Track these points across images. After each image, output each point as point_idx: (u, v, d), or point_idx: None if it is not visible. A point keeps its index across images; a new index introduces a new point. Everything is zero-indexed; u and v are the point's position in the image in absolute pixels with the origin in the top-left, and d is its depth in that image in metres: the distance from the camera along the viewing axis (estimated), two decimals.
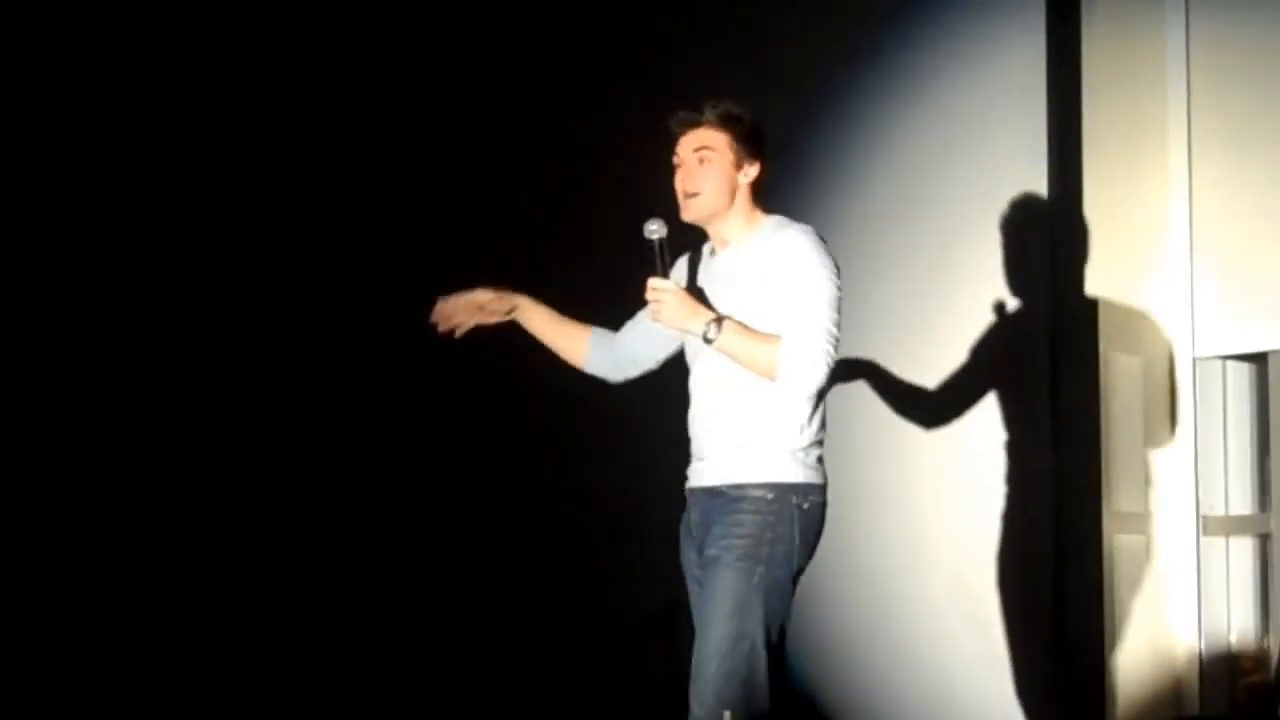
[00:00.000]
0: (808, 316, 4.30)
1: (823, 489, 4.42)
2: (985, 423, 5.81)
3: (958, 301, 5.92)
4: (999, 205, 5.84)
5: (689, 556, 4.51)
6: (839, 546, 6.03)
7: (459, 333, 4.72)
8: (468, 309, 4.71)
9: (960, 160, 6.01)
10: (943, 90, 6.10)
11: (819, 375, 4.29)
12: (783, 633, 4.37)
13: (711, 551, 4.36)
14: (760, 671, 4.30)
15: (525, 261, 5.87)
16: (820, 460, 4.43)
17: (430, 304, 4.72)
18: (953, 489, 5.90)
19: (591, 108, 6.89)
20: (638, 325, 4.71)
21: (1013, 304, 5.81)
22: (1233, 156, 5.95)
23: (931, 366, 5.89)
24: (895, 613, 6.05)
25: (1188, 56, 6.03)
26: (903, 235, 6.14)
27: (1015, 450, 5.76)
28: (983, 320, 5.85)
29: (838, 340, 4.32)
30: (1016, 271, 5.80)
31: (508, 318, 4.74)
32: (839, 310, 4.34)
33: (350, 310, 6.73)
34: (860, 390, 5.99)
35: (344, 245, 6.72)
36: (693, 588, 4.49)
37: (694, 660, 4.34)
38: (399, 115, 6.92)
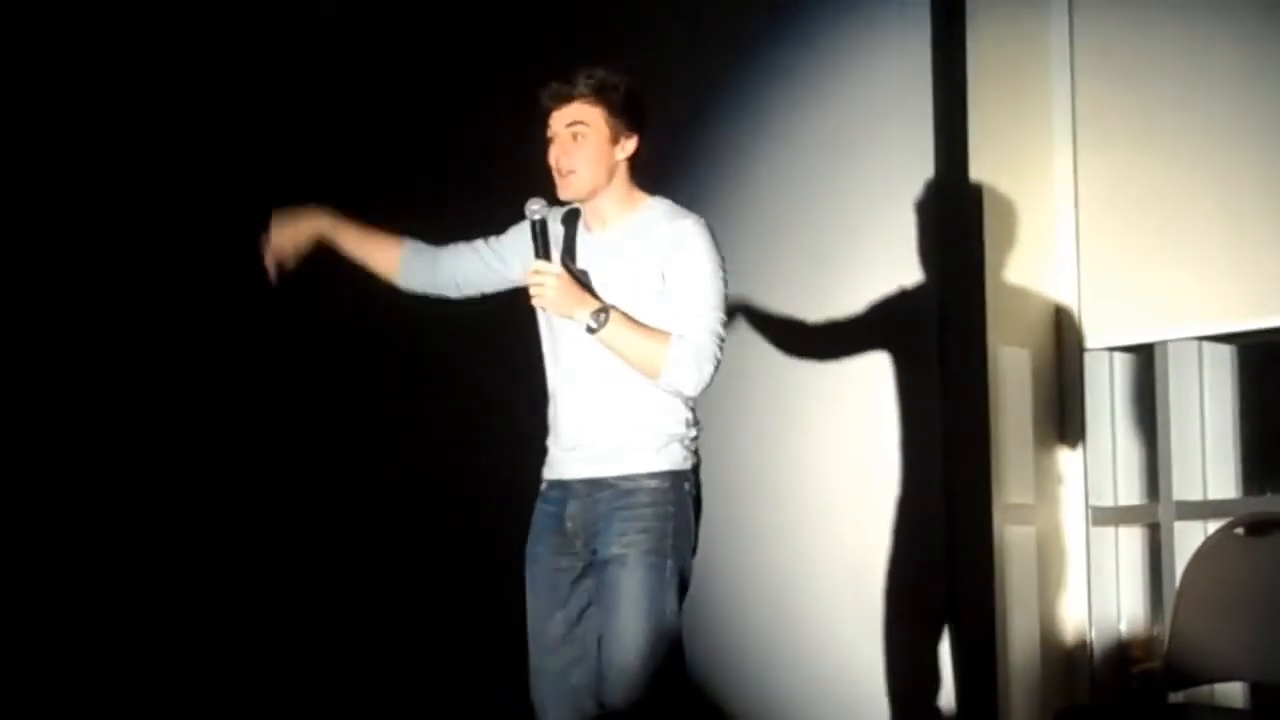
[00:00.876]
0: (698, 316, 4.23)
1: (698, 471, 4.38)
2: (874, 416, 5.83)
3: (844, 296, 5.92)
4: (885, 199, 5.85)
5: (545, 552, 4.40)
6: (731, 538, 6.10)
7: (287, 268, 4.51)
8: (287, 243, 4.51)
9: (845, 154, 6.02)
10: (828, 83, 6.10)
11: (705, 375, 4.23)
12: None
13: (615, 550, 4.27)
14: (681, 663, 4.28)
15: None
16: (697, 445, 4.39)
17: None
18: (843, 482, 5.91)
19: (479, 97, 6.82)
20: (472, 251, 4.56)
21: (900, 298, 5.82)
22: (1118, 150, 5.99)
23: (816, 362, 5.91)
24: (787, 606, 6.05)
25: (1071, 47, 6.08)
26: (788, 230, 6.14)
27: (905, 443, 5.77)
28: (869, 315, 5.87)
29: (724, 341, 4.27)
30: (903, 265, 5.82)
31: (315, 236, 4.53)
32: (725, 309, 4.28)
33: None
34: (753, 381, 6.01)
35: None
36: (541, 584, 4.39)
37: (605, 660, 4.27)
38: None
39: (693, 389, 4.25)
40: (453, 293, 4.62)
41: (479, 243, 4.59)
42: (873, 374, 5.85)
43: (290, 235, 4.53)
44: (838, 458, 5.91)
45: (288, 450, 6.75)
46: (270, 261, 4.54)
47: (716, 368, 4.25)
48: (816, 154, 6.12)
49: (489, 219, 4.62)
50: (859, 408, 5.89)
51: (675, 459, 4.33)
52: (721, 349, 4.26)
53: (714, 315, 4.26)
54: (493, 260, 4.53)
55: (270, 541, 6.66)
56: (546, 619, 4.39)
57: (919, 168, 5.82)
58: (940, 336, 5.77)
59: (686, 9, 6.52)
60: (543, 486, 4.47)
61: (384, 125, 6.97)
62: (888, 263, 5.83)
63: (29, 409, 6.26)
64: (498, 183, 4.66)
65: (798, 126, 6.19)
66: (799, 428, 5.97)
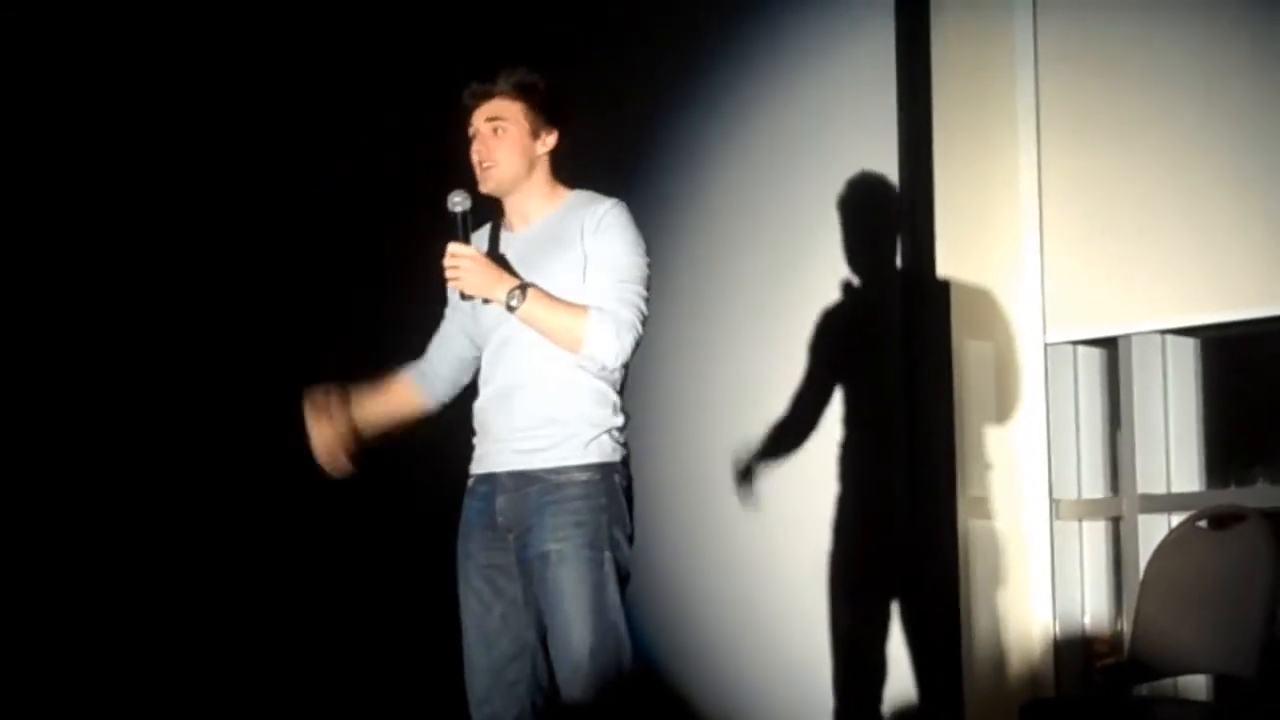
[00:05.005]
0: (616, 288, 4.26)
1: (628, 463, 4.37)
2: (838, 409, 5.83)
3: (809, 290, 5.93)
4: (850, 193, 5.85)
5: (475, 546, 4.38)
6: (693, 530, 6.10)
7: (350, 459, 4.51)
8: (334, 444, 4.49)
9: (810, 149, 6.03)
10: (794, 78, 6.12)
11: (625, 346, 4.25)
12: None
13: (551, 546, 4.25)
14: (628, 655, 4.26)
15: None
16: (626, 437, 4.38)
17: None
18: (806, 474, 5.90)
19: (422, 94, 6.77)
20: (449, 326, 4.58)
21: (864, 292, 5.83)
22: (1081, 143, 6.00)
23: (782, 354, 5.91)
24: (749, 598, 6.06)
25: (1036, 41, 6.09)
26: (753, 225, 6.15)
27: (869, 436, 5.78)
28: (834, 309, 5.87)
29: (645, 316, 4.28)
30: (868, 259, 5.82)
31: (347, 424, 4.50)
32: (648, 287, 4.31)
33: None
34: (716, 372, 6.01)
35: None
36: (475, 580, 4.37)
37: (554, 658, 4.27)
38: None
39: (613, 359, 4.27)
40: (471, 367, 4.56)
41: (446, 315, 4.60)
42: (837, 366, 5.85)
43: (330, 437, 4.49)
44: (801, 450, 5.91)
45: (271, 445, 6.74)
46: (332, 464, 4.51)
47: (638, 339, 4.28)
48: (779, 148, 6.13)
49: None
50: (823, 402, 5.89)
51: (605, 451, 4.32)
52: (643, 322, 4.28)
53: (632, 288, 4.28)
54: (465, 321, 4.52)
55: (256, 535, 6.66)
56: (483, 614, 4.36)
57: (883, 161, 5.83)
58: (904, 330, 5.78)
59: (647, 3, 6.52)
60: (470, 482, 4.45)
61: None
62: (852, 256, 5.82)
63: (28, 409, 6.25)
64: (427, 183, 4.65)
65: (760, 121, 6.19)
66: (763, 420, 5.96)
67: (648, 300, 4.31)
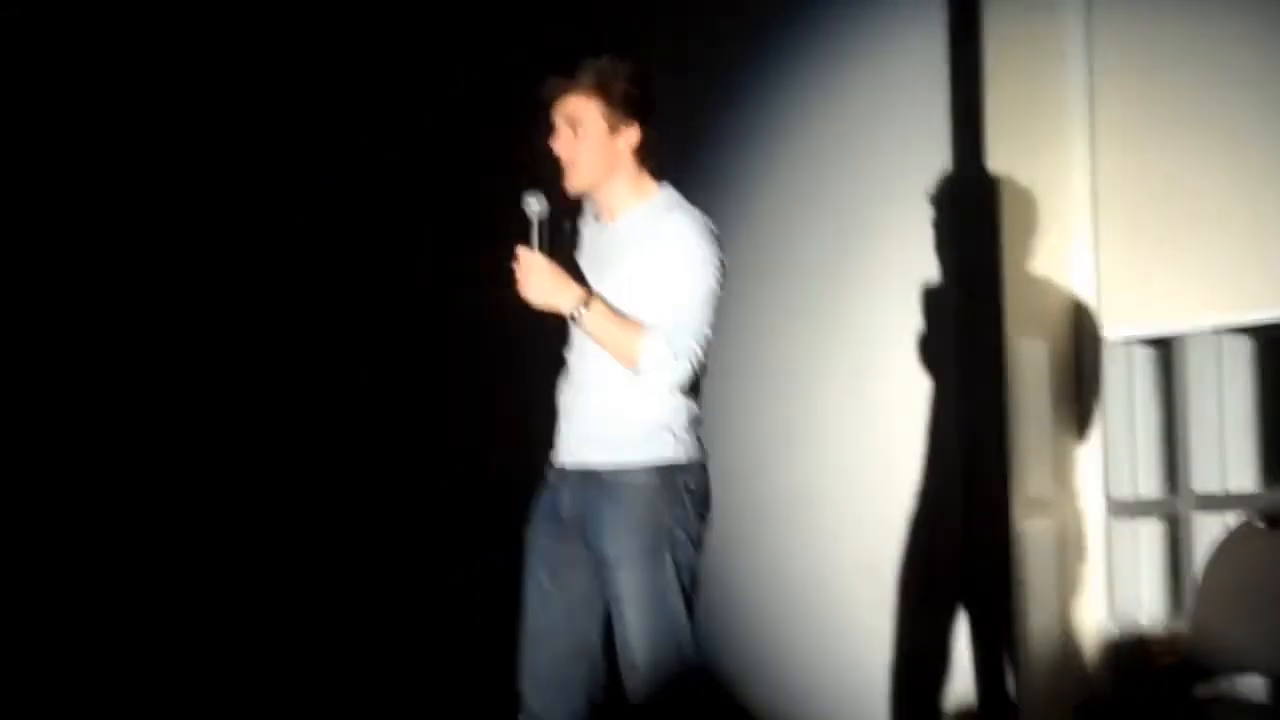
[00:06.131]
0: (678, 310, 4.23)
1: (704, 466, 4.34)
2: (893, 408, 5.82)
3: (863, 289, 5.93)
4: (902, 191, 5.85)
5: (543, 538, 4.38)
6: (750, 530, 6.09)
7: None
8: None
9: (862, 145, 6.02)
10: (845, 75, 6.12)
11: (683, 372, 4.23)
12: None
13: (611, 551, 4.25)
14: (691, 657, 4.25)
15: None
16: (699, 437, 4.34)
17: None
18: (862, 475, 5.90)
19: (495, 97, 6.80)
20: None
21: (917, 290, 5.81)
22: (1135, 140, 5.96)
23: (837, 354, 5.90)
24: (806, 599, 6.06)
25: (1088, 36, 6.05)
26: (808, 220, 6.15)
27: (924, 435, 5.76)
28: (887, 307, 5.86)
29: (708, 338, 4.26)
30: (921, 257, 5.81)
31: None
32: (714, 308, 4.27)
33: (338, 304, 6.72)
34: (774, 373, 6.01)
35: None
36: (539, 572, 4.36)
37: (621, 663, 4.28)
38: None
39: (668, 382, 4.25)
40: None
41: None
42: (892, 366, 5.84)
43: None
44: (857, 450, 5.90)
45: (297, 438, 6.77)
46: None
47: (698, 363, 4.25)
48: (833, 146, 6.12)
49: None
50: (878, 400, 5.88)
51: (665, 451, 4.29)
52: (703, 345, 4.25)
53: (692, 311, 4.25)
54: None
55: (272, 529, 6.68)
56: (543, 606, 4.37)
57: (936, 160, 5.82)
58: (959, 328, 5.77)
59: (703, 3, 6.51)
60: (547, 471, 4.46)
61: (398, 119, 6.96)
62: (906, 255, 5.82)
63: (28, 408, 6.26)
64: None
65: (815, 116, 6.19)
66: (819, 420, 5.96)
67: (712, 323, 4.27)
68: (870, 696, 5.81)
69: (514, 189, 4.35)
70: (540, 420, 4.54)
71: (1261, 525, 5.29)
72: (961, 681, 5.68)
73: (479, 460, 6.71)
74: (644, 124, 4.37)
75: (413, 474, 6.85)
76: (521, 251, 4.27)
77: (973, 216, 5.80)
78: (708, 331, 4.27)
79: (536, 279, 4.26)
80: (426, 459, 6.85)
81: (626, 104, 4.34)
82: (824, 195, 6.11)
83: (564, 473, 4.38)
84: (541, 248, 4.28)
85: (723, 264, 4.31)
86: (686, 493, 4.30)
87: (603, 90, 4.32)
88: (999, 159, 5.86)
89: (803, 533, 6.06)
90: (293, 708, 6.49)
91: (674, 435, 4.31)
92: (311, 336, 6.77)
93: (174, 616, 6.45)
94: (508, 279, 4.31)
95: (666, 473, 4.29)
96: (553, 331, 4.47)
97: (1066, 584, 5.92)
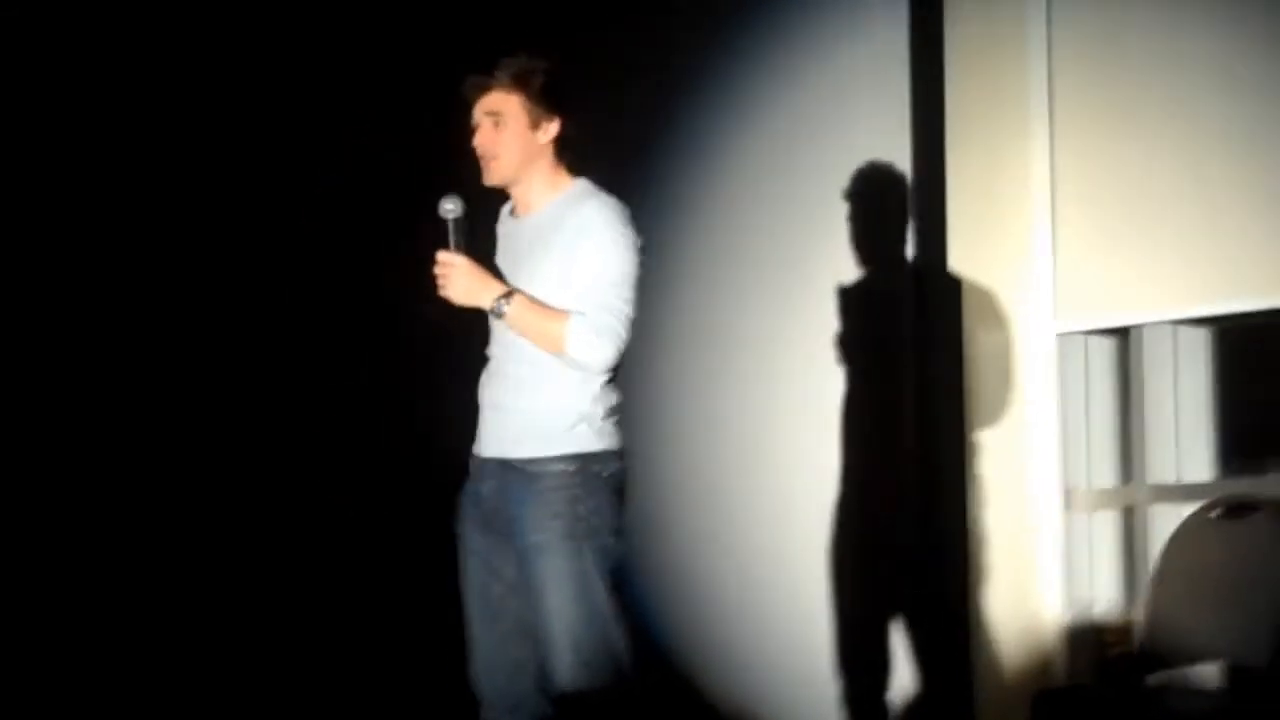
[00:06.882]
0: (598, 293, 4.30)
1: (621, 454, 4.40)
2: (849, 400, 5.83)
3: (820, 280, 5.94)
4: (861, 183, 5.86)
5: (470, 528, 4.47)
6: (702, 516, 6.10)
7: None
8: None
9: (821, 139, 6.04)
10: (806, 68, 6.12)
11: (607, 353, 4.30)
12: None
13: (533, 539, 4.33)
14: (619, 641, 4.32)
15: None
16: (617, 426, 4.41)
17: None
18: (817, 463, 5.91)
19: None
20: None
21: (875, 282, 5.83)
22: (1094, 133, 5.98)
23: (792, 344, 5.91)
24: (758, 589, 6.07)
25: (1049, 30, 6.07)
26: (763, 215, 6.16)
27: (880, 425, 5.78)
28: (845, 299, 5.87)
29: (630, 318, 4.32)
30: (879, 250, 5.82)
31: None
32: (634, 288, 4.34)
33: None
34: (726, 360, 6.02)
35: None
36: (470, 560, 4.46)
37: (544, 651, 4.33)
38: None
39: (596, 365, 4.32)
40: None
41: None
42: (847, 356, 5.85)
43: None
44: (812, 439, 5.91)
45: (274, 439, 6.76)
46: None
47: (622, 343, 4.32)
48: (791, 137, 6.13)
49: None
50: (834, 389, 5.89)
51: (583, 441, 4.37)
52: (626, 326, 4.32)
53: (614, 292, 4.32)
54: None
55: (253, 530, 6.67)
56: (482, 594, 4.46)
57: (895, 152, 5.84)
58: (915, 319, 5.78)
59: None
60: (470, 463, 4.54)
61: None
62: (863, 247, 5.82)
63: (28, 409, 6.26)
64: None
65: (772, 111, 6.20)
66: (774, 409, 5.97)
67: (633, 302, 4.34)
68: (822, 685, 5.82)
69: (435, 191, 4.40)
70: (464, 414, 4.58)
71: (1217, 516, 5.31)
72: (915, 670, 5.69)
73: (417, 456, 6.68)
74: (565, 119, 4.45)
75: (355, 468, 6.83)
76: (440, 254, 4.36)
77: (930, 210, 5.82)
78: (629, 311, 4.34)
79: (457, 278, 4.35)
80: (362, 455, 6.83)
81: (546, 98, 4.43)
82: (780, 191, 6.13)
83: (484, 464, 4.46)
84: (459, 248, 4.35)
85: (641, 246, 4.39)
86: (603, 481, 4.35)
87: (523, 84, 4.41)
88: (958, 150, 5.88)
89: (755, 524, 6.07)
90: (284, 705, 6.48)
91: (591, 426, 4.38)
92: (293, 335, 6.74)
93: (155, 615, 6.43)
94: (429, 281, 4.40)
95: (583, 462, 4.34)
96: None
97: (1021, 574, 5.93)
